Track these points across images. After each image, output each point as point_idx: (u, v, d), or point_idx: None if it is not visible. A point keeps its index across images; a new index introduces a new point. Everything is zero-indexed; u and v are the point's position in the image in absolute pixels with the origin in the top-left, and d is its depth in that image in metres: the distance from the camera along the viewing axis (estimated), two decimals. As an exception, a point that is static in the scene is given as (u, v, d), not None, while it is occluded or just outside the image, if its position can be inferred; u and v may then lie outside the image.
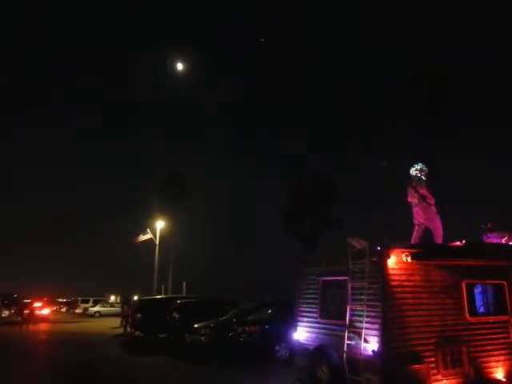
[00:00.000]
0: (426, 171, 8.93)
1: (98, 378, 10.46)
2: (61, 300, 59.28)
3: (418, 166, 8.92)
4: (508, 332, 7.38)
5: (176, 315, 16.17)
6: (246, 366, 11.30)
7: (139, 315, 18.18)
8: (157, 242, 32.06)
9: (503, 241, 9.14)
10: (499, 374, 7.08)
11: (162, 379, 10.37)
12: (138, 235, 31.55)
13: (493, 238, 9.23)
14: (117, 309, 37.02)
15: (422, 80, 27.19)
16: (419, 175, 8.87)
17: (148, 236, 31.58)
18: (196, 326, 13.72)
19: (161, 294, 29.82)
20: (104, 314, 38.01)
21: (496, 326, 7.35)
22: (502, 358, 7.20)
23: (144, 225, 32.35)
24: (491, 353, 7.13)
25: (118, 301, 43.66)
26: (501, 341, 7.29)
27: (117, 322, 24.92)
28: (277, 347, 11.90)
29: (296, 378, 8.25)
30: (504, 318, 7.46)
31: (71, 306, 50.03)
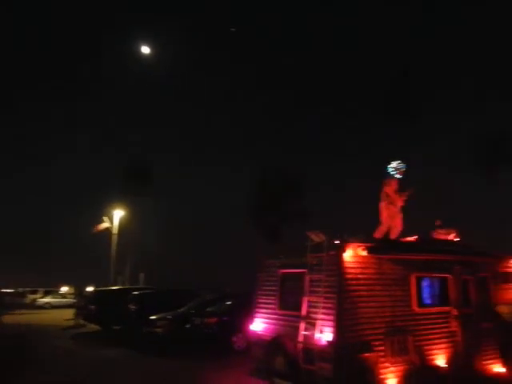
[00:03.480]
0: (402, 169, 9.22)
1: (46, 373, 9.93)
2: (5, 291, 56.37)
3: (395, 164, 9.23)
4: (450, 322, 7.92)
5: (132, 307, 15.99)
6: (203, 357, 11.41)
7: (93, 307, 17.79)
8: (114, 232, 31.40)
9: (450, 237, 9.75)
10: (441, 360, 7.61)
11: (116, 372, 10.21)
12: (96, 224, 30.73)
13: (442, 235, 9.82)
14: (69, 300, 36.00)
15: (398, 82, 28.11)
16: (394, 173, 9.19)
17: (106, 225, 30.86)
18: (153, 317, 13.65)
19: (117, 286, 29.31)
20: (55, 306, 36.85)
21: (439, 316, 7.88)
22: (443, 345, 7.74)
23: (104, 214, 31.55)
24: (434, 341, 7.65)
25: (71, 292, 42.40)
26: (443, 330, 7.83)
27: (69, 313, 24.28)
28: (234, 338, 12.09)
29: (253, 369, 8.46)
30: (447, 308, 8.00)
31: (18, 296, 47.96)
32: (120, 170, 37.62)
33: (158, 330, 13.22)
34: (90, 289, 30.59)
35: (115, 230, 31.40)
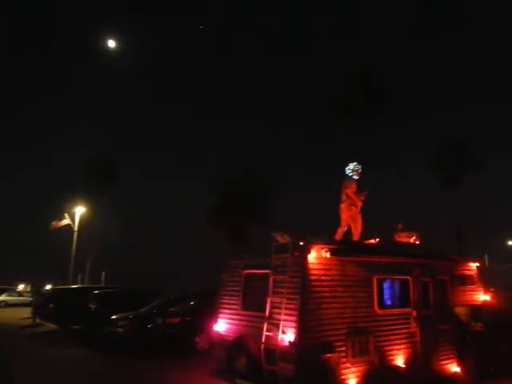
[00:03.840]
0: (359, 171, 9.40)
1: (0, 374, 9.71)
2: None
3: (352, 166, 9.39)
4: (409, 323, 8.10)
5: (93, 306, 15.60)
6: (165, 357, 11.23)
7: (52, 305, 17.22)
8: (75, 229, 30.50)
9: (411, 240, 10.00)
10: (400, 361, 7.77)
11: (75, 372, 9.95)
12: (55, 220, 29.72)
13: (403, 237, 10.06)
14: (26, 298, 34.64)
15: (360, 84, 28.62)
16: (351, 174, 9.34)
17: (66, 222, 29.91)
18: (114, 317, 13.33)
19: (77, 284, 28.50)
20: (11, 304, 35.45)
21: (400, 317, 8.04)
22: (403, 346, 7.90)
23: (65, 211, 30.56)
24: (394, 342, 7.80)
25: (28, 290, 40.91)
26: (403, 331, 7.99)
27: (26, 312, 23.40)
28: (197, 339, 11.96)
29: (214, 369, 8.38)
30: (407, 310, 8.17)
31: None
32: (82, 168, 36.60)
33: (119, 329, 12.90)
34: (48, 287, 29.59)
35: (76, 227, 30.52)
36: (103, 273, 29.94)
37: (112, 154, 38.85)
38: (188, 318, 12.39)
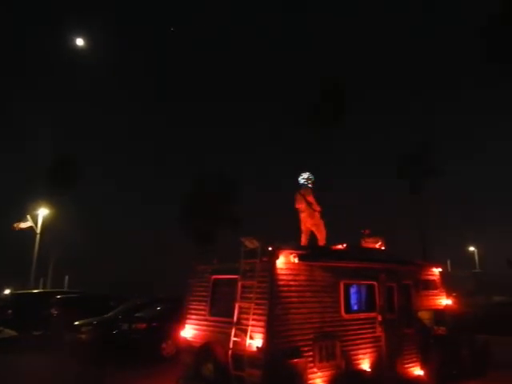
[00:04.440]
0: (313, 180, 9.64)
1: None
2: None
3: (306, 175, 9.60)
4: (375, 327, 8.24)
5: (55, 311, 15.08)
6: (130, 364, 10.99)
7: (10, 311, 16.59)
8: (38, 231, 29.48)
9: (377, 245, 10.19)
10: (365, 365, 7.88)
11: (36, 380, 9.61)
12: (17, 222, 28.62)
13: (369, 243, 10.24)
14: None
15: (323, 91, 29.06)
16: (306, 183, 9.54)
17: (28, 224, 28.86)
18: (77, 323, 12.96)
19: (38, 289, 27.54)
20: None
21: (366, 321, 8.16)
22: (368, 350, 8.02)
23: (27, 213, 29.48)
24: (360, 346, 7.90)
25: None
26: (369, 335, 8.12)
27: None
28: (163, 345, 11.77)
29: (181, 376, 8.26)
30: (373, 314, 8.30)
31: None
32: (44, 169, 35.44)
33: (83, 336, 12.53)
34: (7, 291, 28.47)
35: (39, 229, 29.51)
36: (66, 277, 29.05)
37: (77, 154, 37.61)
38: (154, 324, 12.18)
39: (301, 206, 9.36)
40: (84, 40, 26.88)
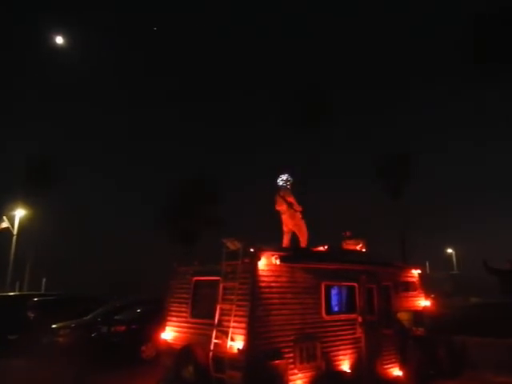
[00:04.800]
0: (292, 181, 9.71)
1: None
2: None
3: (285, 177, 9.65)
4: (355, 328, 8.31)
5: (31, 314, 14.73)
6: (110, 367, 10.82)
7: (-16, 315, 16.14)
8: (14, 233, 28.82)
9: (358, 247, 10.29)
10: (345, 366, 7.94)
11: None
12: None
13: (350, 245, 10.33)
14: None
15: (303, 96, 29.27)
16: (285, 185, 9.58)
17: (5, 225, 28.21)
18: (54, 326, 12.72)
19: (15, 291, 26.90)
20: None
21: (346, 323, 8.22)
22: (349, 351, 8.08)
23: (3, 213, 28.79)
24: (340, 347, 7.96)
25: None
26: (349, 336, 8.18)
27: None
28: (143, 347, 11.64)
29: (160, 379, 8.18)
30: (353, 316, 8.37)
31: None
32: (21, 169, 34.62)
33: (60, 339, 12.32)
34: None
35: (15, 230, 28.86)
36: (44, 279, 28.42)
37: (56, 155, 36.80)
38: (134, 326, 12.03)
39: (281, 207, 9.40)
40: (64, 38, 26.37)
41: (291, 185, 9.68)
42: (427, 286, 10.72)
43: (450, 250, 45.84)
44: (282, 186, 9.60)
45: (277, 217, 9.59)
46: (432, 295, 11.35)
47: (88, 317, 13.15)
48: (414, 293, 9.98)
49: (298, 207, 9.42)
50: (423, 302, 10.11)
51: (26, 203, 30.64)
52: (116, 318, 12.58)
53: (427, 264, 33.19)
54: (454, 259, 44.91)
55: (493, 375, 8.96)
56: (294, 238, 9.55)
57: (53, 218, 33.63)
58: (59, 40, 25.87)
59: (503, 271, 9.79)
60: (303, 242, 9.39)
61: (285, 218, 9.42)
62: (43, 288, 27.36)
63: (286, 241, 9.47)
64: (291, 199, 9.38)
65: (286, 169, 9.98)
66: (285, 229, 9.48)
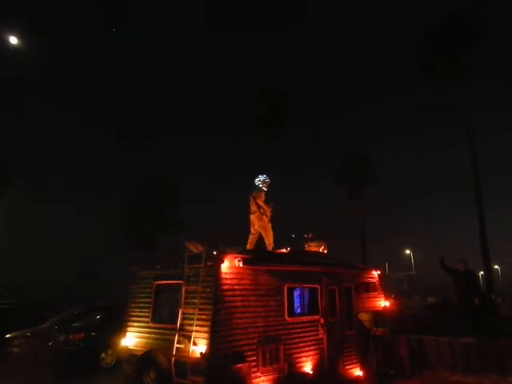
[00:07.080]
0: (268, 183, 9.73)
1: None
2: None
3: (262, 177, 9.67)
4: (318, 330, 8.39)
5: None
6: (68, 377, 10.44)
7: None
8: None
9: (320, 249, 10.43)
10: (308, 367, 8.01)
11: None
12: None
13: (312, 247, 10.45)
14: None
15: (267, 98, 29.46)
16: (261, 186, 9.60)
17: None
18: (8, 336, 12.17)
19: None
20: None
21: (308, 324, 8.30)
22: (311, 353, 8.16)
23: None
24: (303, 349, 8.02)
25: None
26: (311, 338, 8.26)
27: None
28: (103, 355, 11.30)
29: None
30: (315, 317, 8.46)
31: None
32: None
33: (15, 349, 11.80)
34: None
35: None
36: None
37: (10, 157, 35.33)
38: (93, 333, 11.66)
39: (251, 208, 9.40)
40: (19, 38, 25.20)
41: (267, 186, 9.67)
42: (387, 286, 10.98)
43: (407, 251, 47.30)
44: (256, 186, 9.59)
45: (243, 218, 9.58)
46: (393, 295, 11.63)
47: (45, 325, 12.68)
48: (375, 293, 10.20)
49: (266, 210, 9.43)
50: (383, 303, 10.34)
51: None
52: (74, 325, 12.16)
53: (386, 265, 34.11)
54: (412, 260, 46.38)
55: (449, 374, 9.23)
56: (261, 239, 9.56)
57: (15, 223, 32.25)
58: (13, 40, 24.72)
59: (456, 270, 10.15)
60: (269, 245, 9.41)
61: (253, 218, 9.42)
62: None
63: (251, 241, 9.46)
64: (260, 201, 9.40)
65: (261, 170, 9.98)
66: (252, 229, 9.47)
